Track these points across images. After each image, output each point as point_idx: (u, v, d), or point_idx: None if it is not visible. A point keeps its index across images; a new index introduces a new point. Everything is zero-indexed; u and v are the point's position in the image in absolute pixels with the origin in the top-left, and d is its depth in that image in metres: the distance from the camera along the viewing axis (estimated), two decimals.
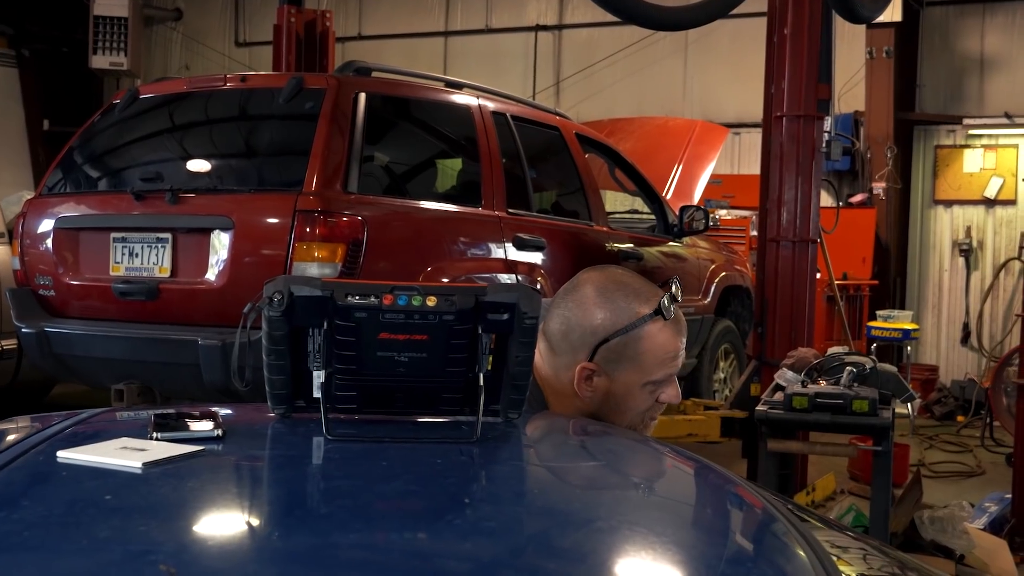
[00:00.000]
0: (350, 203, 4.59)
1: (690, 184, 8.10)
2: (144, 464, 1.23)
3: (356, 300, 1.49)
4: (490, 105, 5.62)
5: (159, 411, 1.47)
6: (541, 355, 1.99)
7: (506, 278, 5.31)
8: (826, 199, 10.92)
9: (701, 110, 11.50)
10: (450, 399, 1.59)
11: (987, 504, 5.71)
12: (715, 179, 9.36)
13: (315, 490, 1.28)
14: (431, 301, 1.49)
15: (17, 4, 13.12)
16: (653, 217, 6.90)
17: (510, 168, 5.59)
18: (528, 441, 1.56)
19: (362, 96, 4.87)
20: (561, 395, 1.97)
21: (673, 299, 1.93)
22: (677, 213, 6.70)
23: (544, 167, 6.41)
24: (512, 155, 5.66)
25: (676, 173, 8.06)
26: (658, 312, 1.90)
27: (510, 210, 5.43)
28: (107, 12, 12.94)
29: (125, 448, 1.30)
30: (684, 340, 1.98)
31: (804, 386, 4.23)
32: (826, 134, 6.44)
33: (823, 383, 4.32)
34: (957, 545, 4.94)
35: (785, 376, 4.44)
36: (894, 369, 4.61)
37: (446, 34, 13.12)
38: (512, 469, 1.43)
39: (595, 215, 6.04)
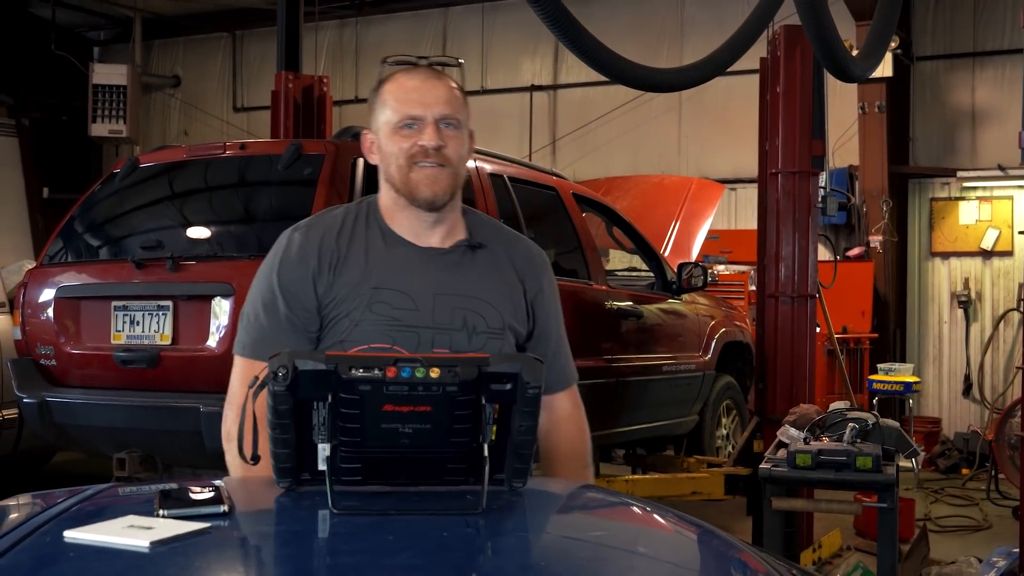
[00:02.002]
0: None
1: (688, 240, 8.14)
2: (151, 543, 1.24)
3: (360, 373, 1.50)
4: (487, 167, 5.66)
5: (164, 487, 1.47)
6: None
7: None
8: (824, 253, 10.97)
9: (696, 166, 11.58)
10: (454, 469, 1.60)
11: (995, 559, 5.66)
12: (713, 234, 9.41)
13: (322, 566, 1.29)
14: (434, 373, 1.50)
15: (16, 73, 13.26)
16: (652, 274, 6.91)
17: None
18: (533, 511, 1.56)
19: (360, 161, 4.90)
20: (383, 192, 2.19)
21: (428, 65, 2.20)
22: (675, 270, 6.72)
23: (542, 227, 6.43)
24: (510, 216, 5.69)
25: (674, 230, 8.09)
26: (384, 61, 2.20)
27: None
28: (106, 81, 13.07)
29: (132, 527, 1.31)
30: (432, 87, 2.13)
31: (807, 443, 4.22)
32: (821, 189, 6.49)
33: (826, 440, 4.32)
34: None
35: (788, 433, 4.43)
36: (896, 424, 4.61)
37: None
38: (517, 541, 1.43)
39: (594, 273, 6.05)
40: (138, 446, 4.80)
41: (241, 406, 1.63)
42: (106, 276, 5.11)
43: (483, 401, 1.53)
